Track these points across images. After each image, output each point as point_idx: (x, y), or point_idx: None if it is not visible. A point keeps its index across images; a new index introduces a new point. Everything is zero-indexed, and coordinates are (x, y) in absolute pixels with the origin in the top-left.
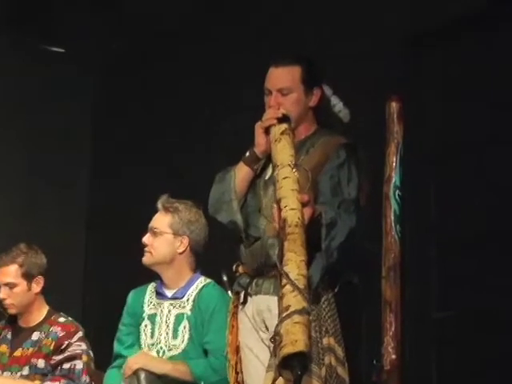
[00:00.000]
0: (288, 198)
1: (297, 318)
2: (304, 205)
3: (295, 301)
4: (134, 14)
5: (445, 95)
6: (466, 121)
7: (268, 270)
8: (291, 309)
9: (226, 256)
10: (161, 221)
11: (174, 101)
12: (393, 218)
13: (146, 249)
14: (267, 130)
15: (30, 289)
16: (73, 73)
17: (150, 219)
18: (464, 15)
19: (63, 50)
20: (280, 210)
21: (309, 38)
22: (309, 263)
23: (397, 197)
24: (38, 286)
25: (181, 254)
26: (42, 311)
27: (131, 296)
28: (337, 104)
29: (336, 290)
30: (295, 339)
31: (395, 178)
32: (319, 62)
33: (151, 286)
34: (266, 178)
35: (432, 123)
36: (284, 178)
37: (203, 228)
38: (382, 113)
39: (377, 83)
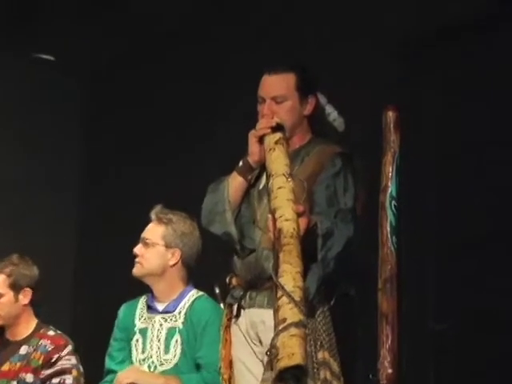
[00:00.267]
0: (283, 208)
1: (293, 330)
2: (299, 215)
3: (291, 313)
4: (130, 16)
5: (444, 98)
6: (466, 124)
7: (262, 283)
8: (288, 321)
9: (218, 267)
10: (153, 232)
11: (167, 107)
12: (389, 228)
13: (136, 259)
14: (261, 139)
15: (17, 300)
16: (63, 79)
17: (142, 229)
18: (464, 16)
19: (53, 58)
20: (275, 220)
21: (308, 38)
22: (305, 274)
23: (393, 207)
24: (25, 297)
25: (172, 266)
26: (30, 324)
27: (122, 310)
28: (331, 113)
29: (332, 303)
30: (292, 352)
31: (391, 188)
32: (317, 65)
33: (142, 300)
34: (260, 187)
35: (431, 127)
36: (279, 188)
37: (196, 241)
38: (379, 121)
39: (375, 88)
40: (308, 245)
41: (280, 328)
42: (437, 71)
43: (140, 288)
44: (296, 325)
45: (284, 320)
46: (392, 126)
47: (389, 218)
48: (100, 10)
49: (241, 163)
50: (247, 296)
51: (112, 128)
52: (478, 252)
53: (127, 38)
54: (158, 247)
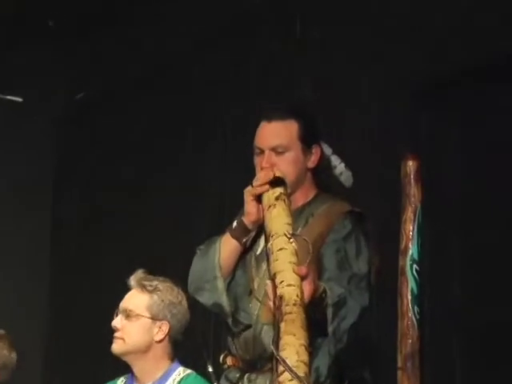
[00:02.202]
0: (284, 273)
1: None
2: (302, 278)
3: None
4: (101, 59)
5: (468, 146)
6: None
7: (263, 364)
8: None
9: (208, 339)
10: (137, 301)
11: (143, 152)
12: (410, 297)
13: (116, 334)
14: (259, 197)
15: None
16: (29, 123)
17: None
18: (485, 59)
19: (21, 100)
20: (275, 286)
21: (318, 81)
22: (311, 349)
23: (414, 272)
24: None
25: (159, 342)
26: None
27: None
28: (337, 165)
29: None
30: None
31: (412, 250)
32: (325, 111)
33: (121, 381)
34: (258, 252)
35: (454, 181)
36: (279, 250)
37: (186, 312)
38: (396, 172)
39: (391, 136)
40: (315, 316)
41: None
42: (458, 117)
43: (117, 368)
44: None
45: None
46: (412, 177)
47: (409, 284)
48: (70, 50)
49: (235, 224)
50: (245, 378)
51: (81, 183)
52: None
53: (97, 79)
54: (142, 320)
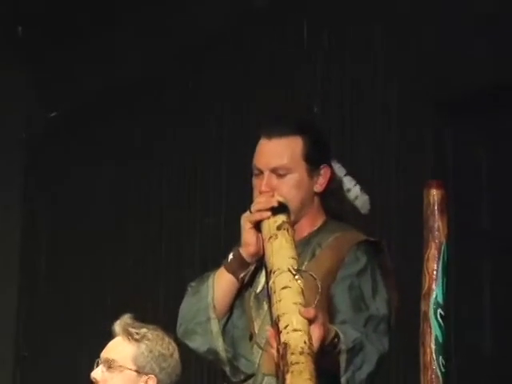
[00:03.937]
0: (289, 315)
1: None
2: (310, 322)
3: None
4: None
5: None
6: None
7: None
8: None
9: None
10: (121, 351)
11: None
12: (434, 346)
13: None
14: (258, 225)
15: None
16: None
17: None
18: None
19: None
20: (279, 331)
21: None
22: None
23: (439, 317)
24: None
25: None
26: None
27: None
28: (352, 188)
29: None
30: None
31: (436, 292)
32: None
33: None
34: (258, 290)
35: (485, 213)
36: (283, 288)
37: (176, 366)
38: (418, 201)
39: (411, 161)
40: (326, 364)
41: None
42: (488, 139)
43: None
44: None
45: None
46: (436, 208)
47: (433, 332)
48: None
49: (231, 256)
50: None
51: (53, 204)
52: None
53: (71, 97)
54: (126, 372)
